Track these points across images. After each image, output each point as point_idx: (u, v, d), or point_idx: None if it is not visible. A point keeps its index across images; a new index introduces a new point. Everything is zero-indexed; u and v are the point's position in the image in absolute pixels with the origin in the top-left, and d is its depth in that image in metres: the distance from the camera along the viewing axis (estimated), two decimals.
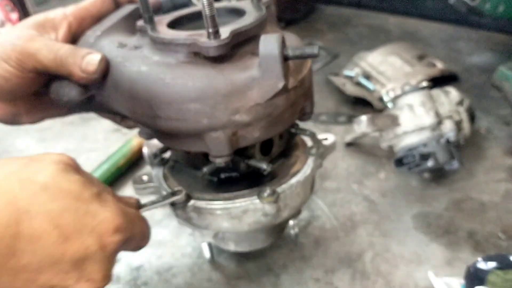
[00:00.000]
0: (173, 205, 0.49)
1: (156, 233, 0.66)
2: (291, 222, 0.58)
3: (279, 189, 0.49)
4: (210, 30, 0.40)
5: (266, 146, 0.51)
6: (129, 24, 0.49)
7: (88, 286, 0.38)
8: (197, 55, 0.42)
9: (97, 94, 0.47)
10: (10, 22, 1.10)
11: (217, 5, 0.49)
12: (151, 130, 0.47)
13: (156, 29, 0.45)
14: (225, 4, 0.50)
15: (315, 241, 0.62)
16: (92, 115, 0.53)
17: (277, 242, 0.61)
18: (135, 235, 0.42)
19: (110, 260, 0.39)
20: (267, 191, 0.48)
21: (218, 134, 0.42)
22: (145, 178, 0.57)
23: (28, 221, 0.35)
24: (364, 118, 0.62)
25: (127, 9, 0.50)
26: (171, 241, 0.65)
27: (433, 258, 0.58)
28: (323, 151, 0.55)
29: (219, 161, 0.44)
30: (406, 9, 1.17)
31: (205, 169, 0.49)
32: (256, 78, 0.41)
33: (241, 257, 0.61)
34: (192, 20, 0.49)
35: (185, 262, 0.62)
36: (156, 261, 0.63)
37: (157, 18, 0.47)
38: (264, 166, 0.49)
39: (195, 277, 0.60)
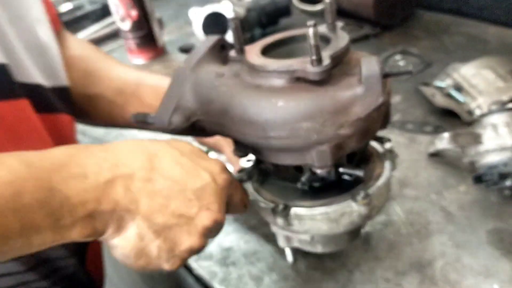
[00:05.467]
0: (275, 213, 0.55)
1: (246, 220, 0.75)
2: None
3: (370, 192, 0.55)
4: (314, 58, 0.47)
5: (350, 154, 0.56)
6: (214, 55, 0.56)
7: (208, 215, 0.48)
8: (299, 80, 0.48)
9: (201, 120, 0.54)
10: (130, 18, 1.23)
11: (298, 32, 0.56)
12: (253, 148, 0.54)
13: (253, 58, 0.51)
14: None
15: (389, 244, 0.67)
16: None
17: (354, 243, 0.67)
18: (236, 193, 0.54)
19: (222, 196, 0.50)
20: (361, 194, 0.54)
21: (324, 147, 0.49)
22: None
23: (158, 159, 0.47)
24: (446, 135, 0.65)
25: (209, 41, 0.56)
26: (258, 228, 0.73)
27: (502, 273, 0.61)
28: (394, 155, 0.60)
29: (321, 172, 0.50)
30: (507, 19, 1.15)
31: (303, 179, 0.55)
32: (359, 96, 0.48)
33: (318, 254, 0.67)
34: (278, 47, 0.56)
35: (269, 249, 0.70)
36: (244, 245, 0.71)
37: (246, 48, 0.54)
38: (360, 173, 0.54)
39: (276, 263, 0.68)
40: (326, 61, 0.47)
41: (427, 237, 0.68)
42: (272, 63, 0.50)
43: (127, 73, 0.75)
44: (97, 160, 0.45)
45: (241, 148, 0.55)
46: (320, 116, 0.47)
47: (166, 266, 0.48)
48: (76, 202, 0.42)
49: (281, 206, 0.55)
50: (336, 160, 0.50)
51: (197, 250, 0.48)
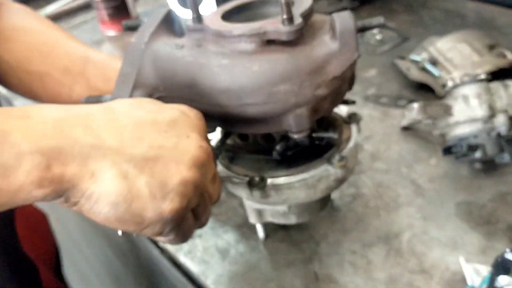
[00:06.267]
0: (251, 186, 0.53)
1: None
2: None
3: (344, 154, 0.54)
4: (285, 17, 0.45)
5: (318, 120, 0.55)
6: (166, 28, 0.52)
7: (191, 141, 0.42)
8: (269, 42, 0.46)
9: (163, 97, 0.50)
10: None
11: None
12: (224, 120, 0.51)
13: (217, 24, 0.48)
14: None
15: (357, 216, 0.66)
16: None
17: (321, 216, 0.66)
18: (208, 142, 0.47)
19: (199, 127, 0.44)
20: (336, 157, 0.53)
21: (301, 111, 0.47)
22: None
23: (116, 105, 0.43)
24: (415, 105, 0.64)
25: (159, 14, 0.53)
26: (225, 202, 0.72)
27: (469, 245, 0.60)
28: (359, 118, 0.59)
29: (299, 136, 0.49)
30: None
31: (278, 148, 0.54)
32: (334, 53, 0.46)
33: (286, 226, 0.66)
34: (238, 13, 0.53)
35: (236, 221, 0.69)
36: (211, 218, 0.70)
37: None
38: (335, 135, 0.54)
39: (243, 235, 0.67)
40: (298, 19, 0.45)
41: (395, 210, 0.67)
42: (240, 27, 0.47)
43: (73, 49, 0.69)
44: (42, 106, 0.39)
45: (209, 123, 0.53)
46: (298, 77, 0.45)
47: (166, 206, 0.39)
48: (18, 138, 0.35)
49: (257, 179, 0.53)
50: (312, 123, 0.49)
51: (193, 183, 0.41)
